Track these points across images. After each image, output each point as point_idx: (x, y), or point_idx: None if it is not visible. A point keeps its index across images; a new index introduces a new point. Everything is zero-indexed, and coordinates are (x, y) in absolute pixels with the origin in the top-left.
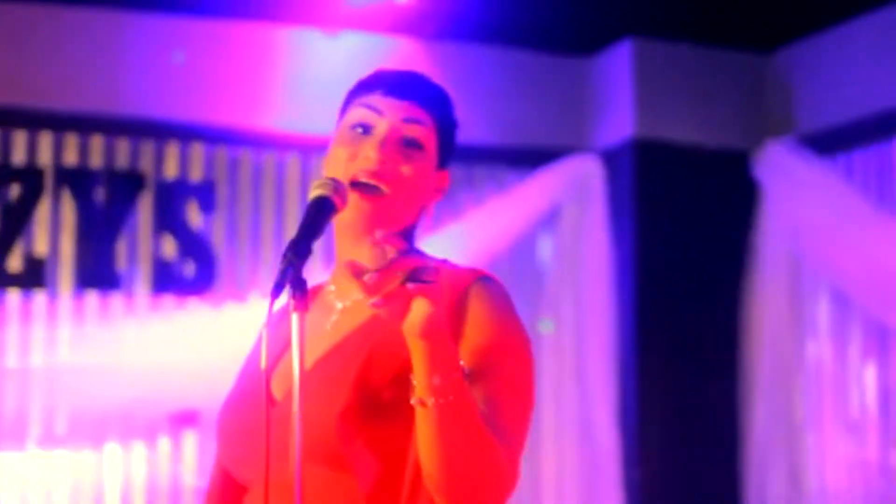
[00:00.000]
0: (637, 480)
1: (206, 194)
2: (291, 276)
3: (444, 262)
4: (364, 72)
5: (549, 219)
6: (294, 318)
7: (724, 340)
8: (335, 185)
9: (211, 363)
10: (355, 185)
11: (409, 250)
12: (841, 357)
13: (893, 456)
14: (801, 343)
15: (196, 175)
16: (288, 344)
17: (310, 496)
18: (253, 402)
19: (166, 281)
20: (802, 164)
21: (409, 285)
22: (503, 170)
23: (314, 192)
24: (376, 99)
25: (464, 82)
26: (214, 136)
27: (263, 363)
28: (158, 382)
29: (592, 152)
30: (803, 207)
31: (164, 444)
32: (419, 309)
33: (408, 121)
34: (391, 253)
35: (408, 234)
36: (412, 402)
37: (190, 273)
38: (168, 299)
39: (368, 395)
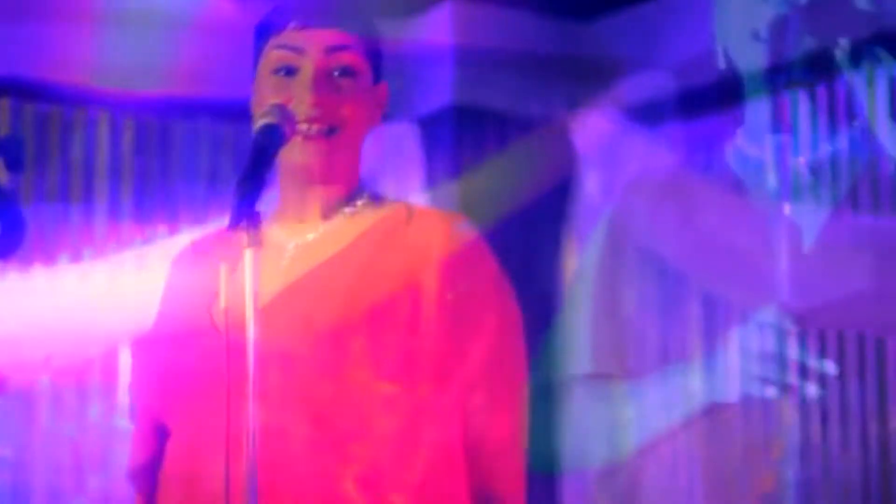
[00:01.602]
0: None
1: (13, 151)
2: (246, 210)
3: (405, 204)
4: (178, 29)
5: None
6: (248, 253)
7: (544, 306)
8: (283, 112)
9: (17, 328)
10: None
11: (367, 191)
12: (665, 322)
13: (715, 419)
14: (621, 309)
15: (3, 131)
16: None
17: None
18: (192, 340)
19: None
20: (621, 133)
21: None
22: None
23: (262, 121)
24: (291, 35)
25: None
26: (22, 91)
27: (223, 302)
28: None
29: (409, 119)
30: (622, 176)
31: None
32: None
33: (332, 50)
34: None
35: (357, 166)
36: None
37: None
38: None
39: (361, 310)
